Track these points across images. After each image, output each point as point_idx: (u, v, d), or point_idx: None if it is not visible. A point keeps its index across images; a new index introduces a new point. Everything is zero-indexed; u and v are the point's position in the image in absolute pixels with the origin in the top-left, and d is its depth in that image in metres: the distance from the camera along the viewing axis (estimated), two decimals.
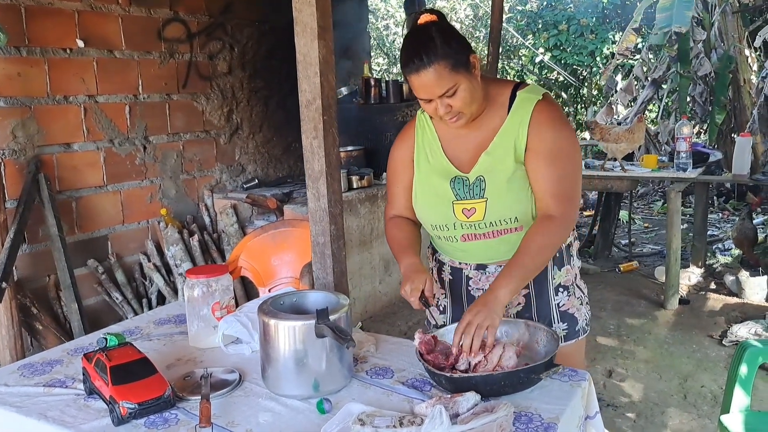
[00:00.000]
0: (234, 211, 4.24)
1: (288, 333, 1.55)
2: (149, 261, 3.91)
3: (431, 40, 1.60)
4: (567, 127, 1.76)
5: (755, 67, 7.84)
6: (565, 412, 1.47)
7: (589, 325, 1.95)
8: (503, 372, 1.50)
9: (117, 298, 3.73)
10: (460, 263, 1.90)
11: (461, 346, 1.56)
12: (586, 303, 1.95)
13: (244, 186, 4.56)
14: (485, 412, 1.39)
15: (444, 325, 1.89)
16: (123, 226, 3.85)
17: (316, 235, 2.05)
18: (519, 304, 1.86)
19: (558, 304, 1.86)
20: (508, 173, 1.72)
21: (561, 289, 1.87)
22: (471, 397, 1.45)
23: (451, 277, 1.93)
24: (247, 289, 4.02)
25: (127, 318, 3.55)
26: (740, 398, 2.13)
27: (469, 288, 1.90)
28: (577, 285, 1.92)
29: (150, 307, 3.81)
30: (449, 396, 1.47)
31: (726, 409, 2.16)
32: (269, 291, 3.37)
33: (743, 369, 2.12)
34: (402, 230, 1.91)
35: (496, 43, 4.56)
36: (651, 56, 8.11)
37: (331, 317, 1.54)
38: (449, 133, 1.82)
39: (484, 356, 1.61)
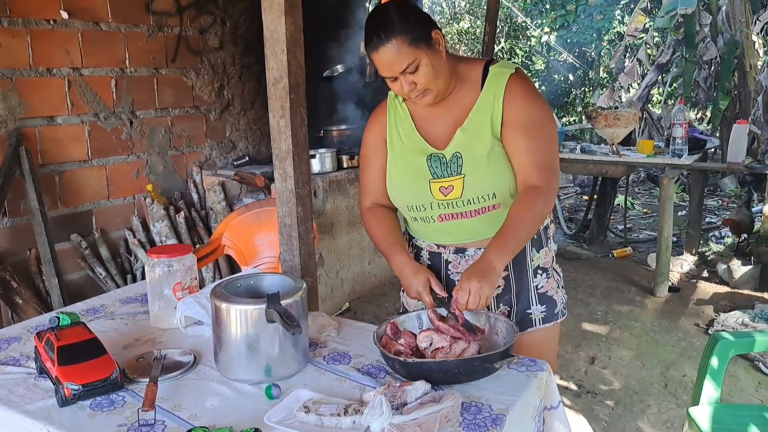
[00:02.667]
0: (222, 189, 4.20)
1: (239, 317, 1.52)
2: (134, 237, 3.89)
3: (389, 18, 1.60)
4: (541, 100, 1.76)
5: (762, 53, 7.71)
6: (517, 403, 1.44)
7: (566, 308, 1.94)
8: (457, 360, 1.48)
9: (100, 274, 3.72)
10: (438, 246, 1.86)
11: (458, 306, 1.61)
12: (562, 287, 1.94)
13: (234, 163, 4.52)
14: (432, 402, 1.37)
15: (405, 312, 1.86)
16: (108, 201, 3.83)
17: (282, 217, 2.02)
18: (499, 286, 1.84)
19: (537, 286, 1.85)
20: (486, 149, 1.70)
21: (540, 271, 1.85)
22: (420, 386, 1.42)
23: (429, 263, 1.90)
24: (233, 268, 4.00)
25: None
26: (710, 390, 2.10)
27: (449, 272, 1.87)
28: (554, 268, 1.90)
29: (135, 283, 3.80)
30: (398, 384, 1.44)
31: (696, 401, 2.14)
32: None
33: (714, 361, 2.09)
34: (383, 222, 1.87)
35: (493, 23, 4.50)
36: (657, 38, 7.97)
37: (284, 302, 1.51)
38: (422, 111, 1.80)
39: (449, 345, 1.59)
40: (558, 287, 1.90)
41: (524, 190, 1.70)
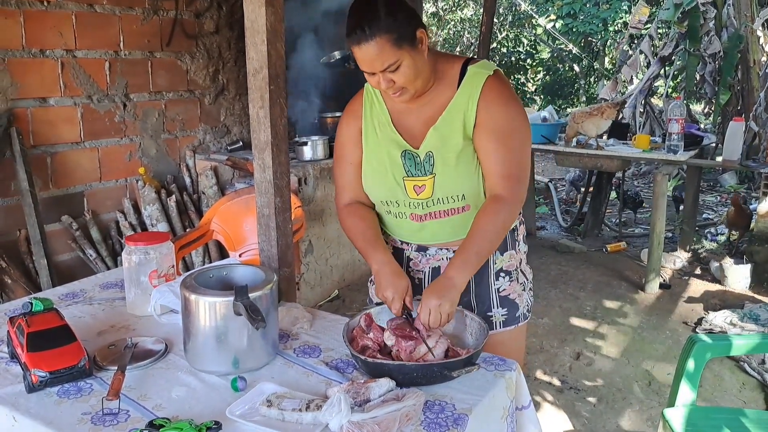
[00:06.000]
0: (214, 173, 4.20)
1: (207, 309, 1.52)
2: (126, 219, 3.90)
3: (375, 11, 1.53)
4: (517, 105, 1.72)
5: (767, 48, 7.64)
6: (481, 402, 1.44)
7: (530, 311, 1.92)
8: (417, 364, 1.48)
9: (91, 255, 3.73)
10: (402, 243, 1.86)
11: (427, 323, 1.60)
12: (530, 289, 1.92)
13: (228, 148, 4.51)
14: (394, 400, 1.37)
15: (380, 304, 1.86)
16: (100, 183, 3.83)
17: (261, 207, 2.01)
18: None
19: (498, 288, 1.83)
20: (457, 149, 1.68)
21: (502, 274, 1.83)
22: (384, 384, 1.43)
23: (393, 254, 1.90)
24: (223, 253, 4.01)
25: None
26: (686, 393, 2.10)
27: (410, 269, 1.87)
28: (521, 270, 1.88)
29: None
30: (362, 381, 1.44)
31: (672, 403, 2.14)
32: (239, 256, 3.36)
33: (690, 364, 2.09)
34: (363, 219, 1.81)
35: (490, 12, 4.46)
36: (661, 30, 7.90)
37: (253, 294, 1.52)
38: (399, 106, 1.77)
39: (415, 345, 1.59)
40: (524, 290, 1.88)
41: (489, 200, 1.68)
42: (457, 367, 1.45)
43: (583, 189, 6.35)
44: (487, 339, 1.58)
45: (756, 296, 4.30)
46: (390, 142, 1.76)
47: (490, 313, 1.83)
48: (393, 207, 1.79)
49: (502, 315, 1.83)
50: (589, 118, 4.51)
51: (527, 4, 12.35)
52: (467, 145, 1.68)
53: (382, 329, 1.64)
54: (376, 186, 1.80)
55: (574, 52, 12.27)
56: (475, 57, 1.85)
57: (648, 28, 7.83)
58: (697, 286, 4.54)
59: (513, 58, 12.93)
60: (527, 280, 1.90)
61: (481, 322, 1.65)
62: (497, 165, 1.67)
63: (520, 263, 1.88)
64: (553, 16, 11.89)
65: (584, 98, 12.46)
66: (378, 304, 1.87)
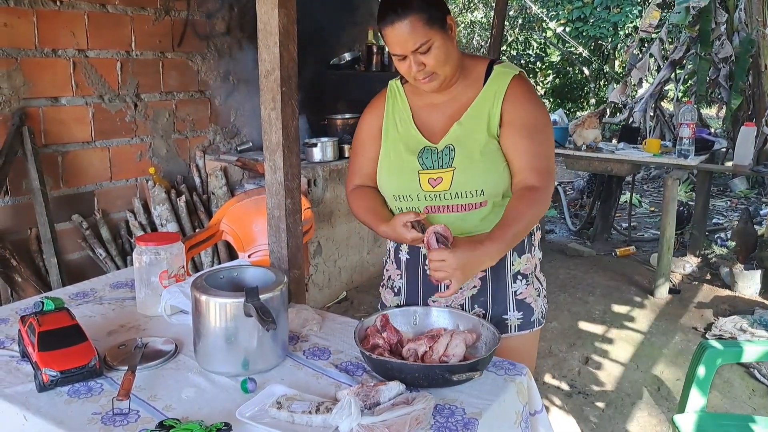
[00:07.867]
0: (224, 174, 4.21)
1: (218, 310, 1.52)
2: (135, 219, 3.91)
3: None
4: (541, 103, 1.77)
5: None
6: (491, 407, 1.44)
7: (544, 317, 1.91)
8: (419, 365, 1.48)
9: (101, 254, 3.75)
10: None
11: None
12: (544, 296, 1.91)
13: (238, 148, 4.52)
14: (404, 403, 1.37)
15: (399, 306, 1.86)
16: (110, 182, 3.85)
17: (271, 209, 2.02)
18: (474, 287, 1.82)
19: (515, 291, 1.83)
20: (481, 145, 1.70)
21: (519, 277, 1.83)
22: (394, 387, 1.42)
23: (408, 257, 1.90)
24: (232, 254, 4.02)
25: None
26: (696, 399, 2.09)
27: (426, 266, 1.86)
28: (536, 276, 1.88)
29: None
30: (372, 384, 1.44)
31: (682, 409, 2.13)
32: (249, 257, 3.36)
33: (701, 370, 2.08)
34: (368, 199, 1.85)
35: (501, 15, 4.45)
36: (671, 34, 7.87)
37: (263, 296, 1.52)
38: (422, 102, 1.81)
39: (430, 347, 1.58)
40: (538, 295, 1.87)
41: (523, 189, 1.68)
42: (460, 371, 1.45)
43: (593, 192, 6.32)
44: (499, 345, 1.57)
45: (766, 302, 4.27)
46: (409, 138, 1.79)
47: (505, 316, 1.82)
48: (406, 202, 1.79)
49: (517, 318, 1.83)
50: (575, 129, 4.65)
51: (538, 7, 12.33)
52: (491, 142, 1.70)
53: (397, 330, 1.64)
54: (392, 179, 1.81)
55: (584, 55, 12.24)
56: (499, 59, 1.87)
57: (659, 32, 7.80)
58: (707, 292, 4.52)
59: (523, 61, 12.91)
60: (542, 286, 1.90)
61: (495, 331, 1.63)
62: (528, 160, 1.69)
63: (536, 268, 1.87)
64: (563, 20, 11.87)
65: (593, 101, 12.43)
66: (396, 306, 1.87)
